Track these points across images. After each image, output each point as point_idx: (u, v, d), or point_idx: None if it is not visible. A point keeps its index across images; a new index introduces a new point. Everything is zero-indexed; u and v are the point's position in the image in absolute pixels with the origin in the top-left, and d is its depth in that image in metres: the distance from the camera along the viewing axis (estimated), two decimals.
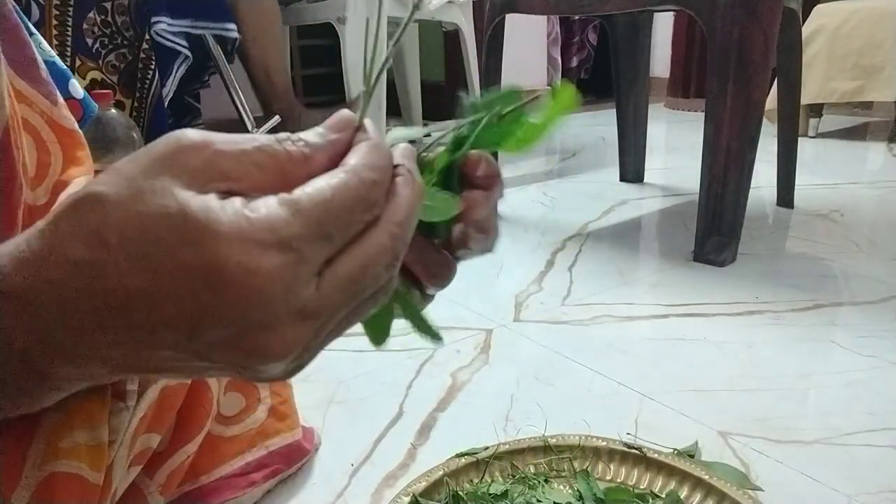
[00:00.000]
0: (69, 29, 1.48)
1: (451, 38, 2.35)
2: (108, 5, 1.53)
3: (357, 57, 1.87)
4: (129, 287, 0.21)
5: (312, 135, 0.24)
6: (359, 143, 0.24)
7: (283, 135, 0.23)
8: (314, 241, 0.21)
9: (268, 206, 0.21)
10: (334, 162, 0.24)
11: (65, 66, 0.68)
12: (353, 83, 1.87)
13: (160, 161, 0.22)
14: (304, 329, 0.22)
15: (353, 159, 0.23)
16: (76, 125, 0.40)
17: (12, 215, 0.32)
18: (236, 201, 0.21)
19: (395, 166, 0.25)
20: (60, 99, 0.39)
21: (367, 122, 0.25)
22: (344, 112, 0.25)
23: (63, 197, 0.36)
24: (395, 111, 2.57)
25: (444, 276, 0.31)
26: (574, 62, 3.81)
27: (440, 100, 2.26)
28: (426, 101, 2.97)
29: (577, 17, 3.57)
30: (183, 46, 1.58)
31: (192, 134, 0.22)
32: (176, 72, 1.58)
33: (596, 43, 3.79)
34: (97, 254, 0.21)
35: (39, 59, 0.37)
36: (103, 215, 0.21)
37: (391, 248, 0.23)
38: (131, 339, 0.22)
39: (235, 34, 1.78)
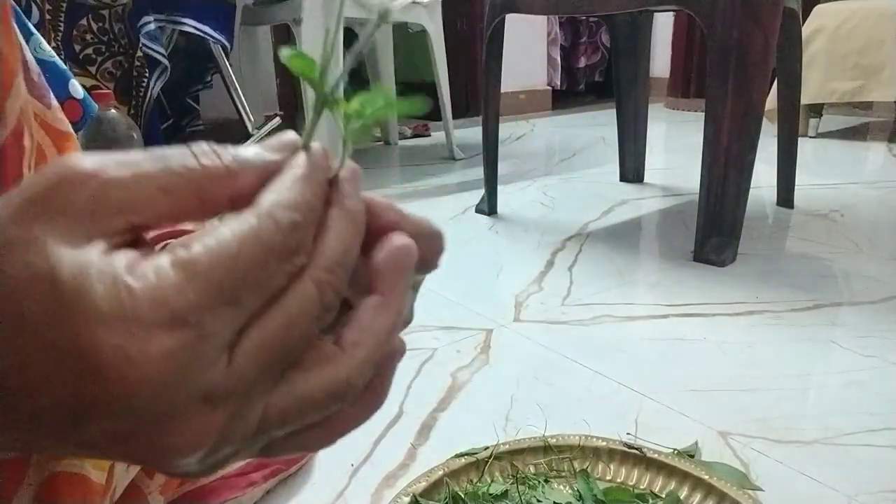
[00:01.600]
0: (59, 34, 1.48)
1: (449, 38, 2.35)
2: (105, 13, 1.53)
3: (313, 54, 1.86)
4: (2, 366, 0.17)
5: (243, 150, 0.20)
6: (283, 173, 0.20)
7: (201, 146, 0.19)
8: (218, 311, 0.17)
9: (156, 271, 0.17)
10: (263, 185, 0.20)
11: (65, 67, 0.68)
12: (308, 88, 1.87)
13: (36, 202, 0.17)
14: (213, 417, 0.18)
15: (268, 196, 0.19)
16: (70, 127, 0.40)
17: None
18: (120, 261, 0.17)
19: (332, 188, 0.21)
20: (54, 102, 0.39)
21: (315, 146, 0.21)
22: (288, 133, 0.21)
23: None
24: None
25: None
26: (581, 63, 3.80)
27: (434, 100, 2.26)
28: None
29: (584, 18, 3.57)
30: (161, 55, 1.59)
31: (77, 161, 0.18)
32: (154, 82, 1.59)
33: (610, 45, 3.79)
34: None
35: (31, 60, 0.37)
36: None
37: (318, 301, 0.19)
38: (11, 424, 0.18)
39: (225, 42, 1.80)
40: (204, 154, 0.19)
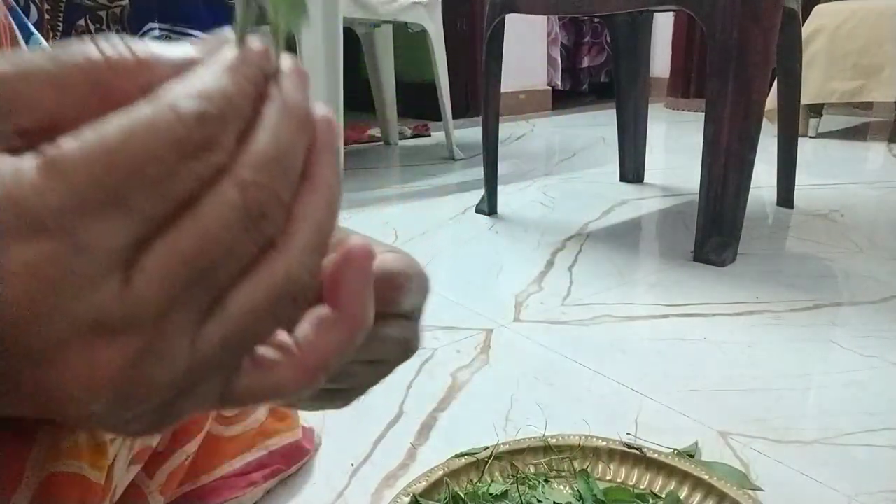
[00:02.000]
0: (59, 34, 1.48)
1: (449, 38, 2.35)
2: (102, 14, 1.53)
3: (313, 58, 1.86)
4: None
5: (163, 46, 0.16)
6: (200, 65, 0.16)
7: (108, 42, 0.16)
8: (95, 216, 0.14)
9: (14, 173, 0.13)
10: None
11: None
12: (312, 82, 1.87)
13: None
14: (109, 352, 0.14)
15: (173, 86, 0.15)
16: None
17: None
18: None
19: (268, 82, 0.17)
20: None
21: (253, 40, 0.17)
22: (223, 31, 0.17)
23: None
24: (372, 109, 2.58)
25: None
26: (585, 63, 3.80)
27: (434, 100, 2.26)
28: (421, 101, 2.98)
29: (587, 18, 3.56)
30: None
31: None
32: None
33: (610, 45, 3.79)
34: None
35: None
36: None
37: (242, 206, 0.15)
38: None
39: None
40: (111, 45, 0.15)
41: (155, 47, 0.16)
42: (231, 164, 0.15)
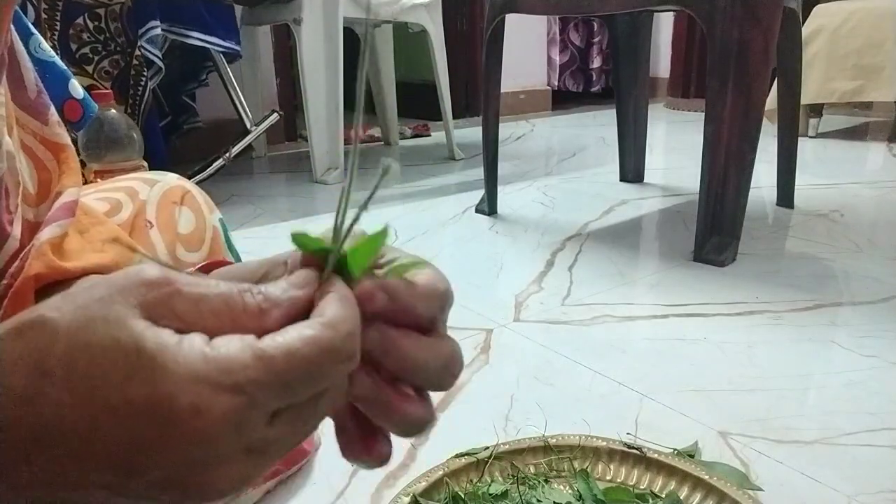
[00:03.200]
0: (56, 33, 1.48)
1: (450, 38, 2.35)
2: (101, 11, 1.53)
3: (313, 58, 1.86)
4: (66, 422, 0.20)
5: (274, 288, 0.23)
6: (328, 295, 0.23)
7: (245, 286, 0.22)
8: (271, 390, 0.20)
9: (228, 347, 0.20)
10: (291, 318, 0.22)
11: (65, 67, 0.68)
12: (310, 86, 1.87)
13: (118, 290, 0.21)
14: (248, 465, 0.22)
15: (328, 310, 0.22)
16: (67, 138, 0.40)
17: None
18: (196, 338, 0.21)
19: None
20: (52, 117, 0.39)
21: (335, 277, 0.23)
22: (306, 271, 0.23)
23: (39, 242, 0.36)
24: (372, 108, 2.58)
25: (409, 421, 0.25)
26: (595, 63, 3.79)
27: (434, 100, 2.26)
28: (421, 101, 2.98)
29: (595, 19, 3.56)
30: (157, 57, 1.59)
31: (154, 270, 0.22)
32: (148, 81, 1.59)
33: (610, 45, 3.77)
34: (38, 385, 0.20)
35: (31, 79, 0.38)
36: (51, 344, 0.20)
37: (350, 394, 0.24)
38: (59, 478, 0.20)
39: (237, 49, 1.81)
40: (248, 292, 0.22)
41: (271, 294, 0.22)
42: (351, 369, 0.22)
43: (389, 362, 0.23)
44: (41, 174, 0.38)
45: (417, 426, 0.25)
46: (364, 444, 0.25)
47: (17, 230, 0.34)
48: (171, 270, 0.22)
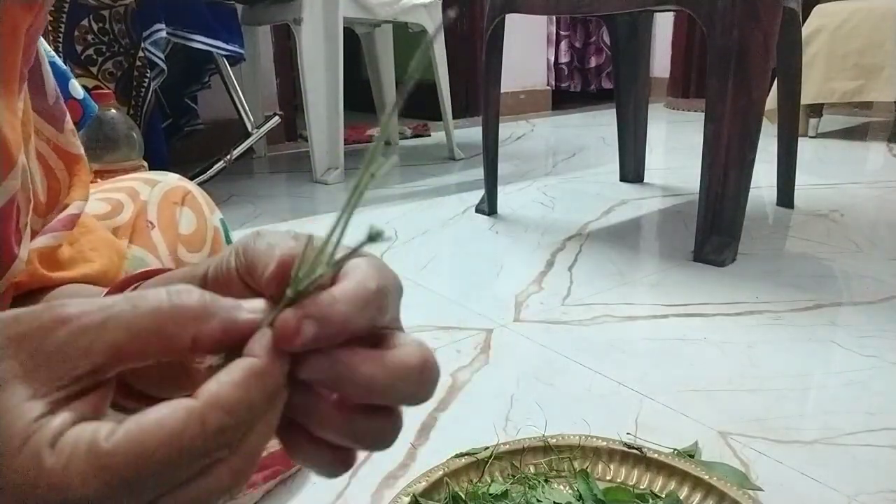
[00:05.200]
0: (60, 35, 1.48)
1: (450, 38, 2.35)
2: (105, 13, 1.53)
3: (313, 58, 1.86)
4: None
5: (220, 298, 0.20)
6: (235, 363, 0.19)
7: (178, 287, 0.20)
8: (116, 501, 0.17)
9: (71, 454, 0.17)
10: (226, 345, 0.19)
11: (64, 67, 0.68)
12: (310, 86, 1.87)
13: (13, 341, 0.18)
14: None
15: (209, 387, 0.18)
16: (81, 149, 0.40)
17: None
18: (48, 430, 0.18)
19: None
20: (68, 125, 0.39)
21: (282, 325, 0.19)
22: (258, 301, 0.20)
23: (28, 250, 0.35)
24: (372, 109, 2.58)
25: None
26: (592, 63, 3.79)
27: (434, 100, 2.26)
28: (421, 101, 2.98)
29: (592, 19, 3.56)
30: (160, 59, 1.59)
31: (58, 309, 0.19)
32: (150, 83, 1.59)
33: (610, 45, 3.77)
34: None
35: (48, 81, 0.37)
36: None
37: (228, 487, 0.19)
38: None
39: (241, 51, 1.81)
40: (176, 294, 0.19)
41: (212, 300, 0.19)
42: (230, 455, 0.19)
43: (346, 390, 0.20)
44: (51, 182, 0.37)
45: (381, 444, 0.21)
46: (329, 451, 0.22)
47: (24, 252, 0.32)
48: (78, 303, 0.19)
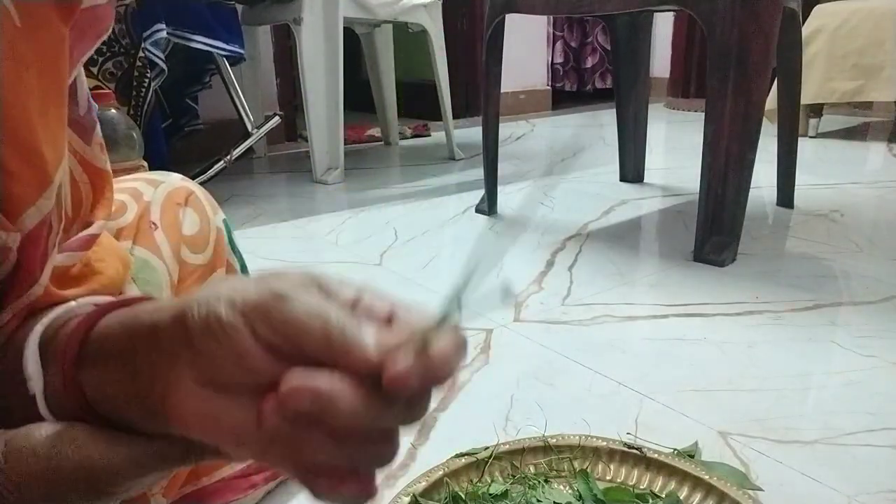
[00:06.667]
0: None
1: (449, 38, 2.34)
2: None
3: (313, 58, 1.86)
4: None
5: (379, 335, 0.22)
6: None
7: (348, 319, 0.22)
8: None
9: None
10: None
11: None
12: (310, 86, 1.87)
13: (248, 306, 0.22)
14: None
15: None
16: (108, 165, 0.39)
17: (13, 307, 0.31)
18: None
19: None
20: (97, 137, 0.38)
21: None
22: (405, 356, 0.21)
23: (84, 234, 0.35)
24: (372, 109, 2.58)
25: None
26: (589, 63, 3.79)
27: (434, 100, 2.26)
28: (421, 101, 2.98)
29: (590, 19, 3.56)
30: (160, 59, 1.59)
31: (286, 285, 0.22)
32: (150, 83, 1.59)
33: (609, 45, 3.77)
34: None
35: (81, 89, 0.36)
36: None
37: None
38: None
39: (241, 52, 1.81)
40: (349, 324, 0.21)
41: (373, 337, 0.21)
42: None
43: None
44: (74, 194, 0.36)
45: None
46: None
47: (45, 277, 0.32)
48: (306, 294, 0.22)
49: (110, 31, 0.34)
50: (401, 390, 0.21)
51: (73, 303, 0.31)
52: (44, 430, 0.25)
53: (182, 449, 0.26)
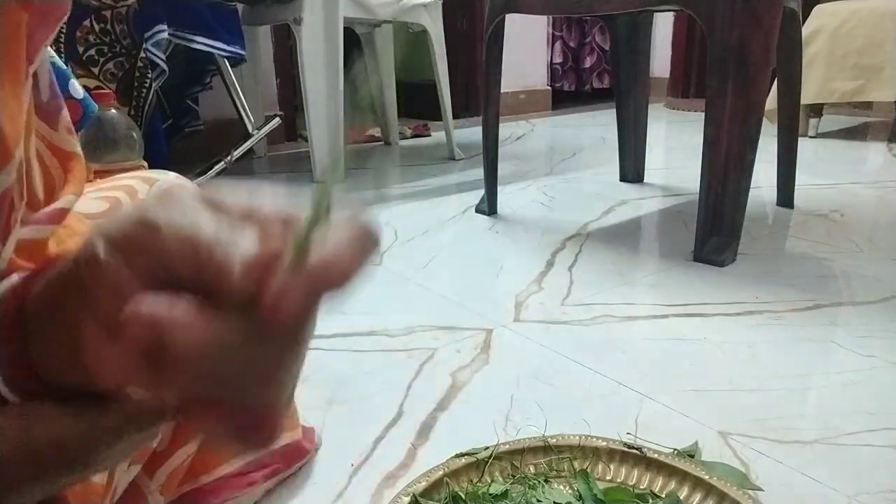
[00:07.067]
0: (62, 36, 1.48)
1: (450, 38, 2.34)
2: (107, 14, 1.53)
3: (313, 58, 1.86)
4: None
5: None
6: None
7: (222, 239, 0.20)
8: None
9: None
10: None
11: (64, 66, 0.68)
12: (310, 86, 1.87)
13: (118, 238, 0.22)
14: None
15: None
16: (77, 147, 0.39)
17: None
18: None
19: None
20: (63, 121, 0.38)
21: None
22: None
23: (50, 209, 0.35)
24: (372, 110, 2.58)
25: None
26: (587, 63, 3.80)
27: (434, 100, 2.26)
28: (421, 101, 2.98)
29: (588, 18, 3.56)
30: (161, 60, 1.59)
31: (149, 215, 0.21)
32: (151, 83, 1.59)
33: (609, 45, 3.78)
34: None
35: (44, 76, 0.36)
36: None
37: None
38: None
39: (242, 52, 1.81)
40: (223, 242, 0.20)
41: (247, 258, 0.19)
42: None
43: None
44: (47, 179, 0.37)
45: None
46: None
47: (8, 251, 0.31)
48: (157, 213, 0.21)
49: (68, 14, 0.34)
50: (276, 316, 0.19)
51: (14, 276, 0.30)
52: (10, 412, 0.25)
53: (151, 408, 0.26)
